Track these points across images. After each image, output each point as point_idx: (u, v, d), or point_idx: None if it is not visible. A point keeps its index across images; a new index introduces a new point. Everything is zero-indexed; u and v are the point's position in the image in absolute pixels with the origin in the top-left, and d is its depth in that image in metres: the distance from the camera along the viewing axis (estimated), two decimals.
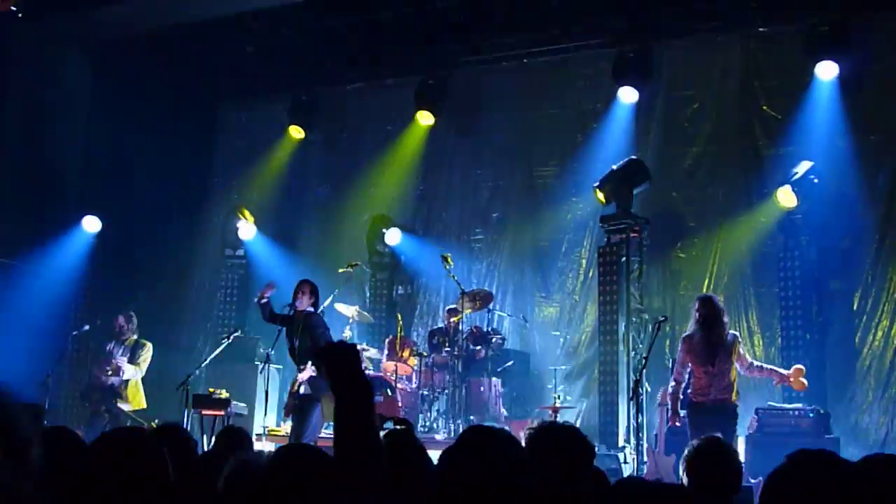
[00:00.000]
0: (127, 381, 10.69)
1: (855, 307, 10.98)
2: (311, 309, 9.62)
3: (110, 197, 13.19)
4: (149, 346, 10.93)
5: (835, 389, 10.78)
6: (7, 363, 10.59)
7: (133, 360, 10.73)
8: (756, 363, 8.83)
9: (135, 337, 10.93)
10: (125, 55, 13.11)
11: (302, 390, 9.40)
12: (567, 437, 3.73)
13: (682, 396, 8.68)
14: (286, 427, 11.64)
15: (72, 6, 12.11)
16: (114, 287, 12.81)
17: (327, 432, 9.97)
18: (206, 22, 12.61)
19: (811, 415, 9.70)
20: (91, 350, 12.05)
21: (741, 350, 8.57)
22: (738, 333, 8.98)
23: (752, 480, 7.61)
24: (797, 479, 1.83)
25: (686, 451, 4.03)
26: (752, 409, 9.93)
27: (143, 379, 10.84)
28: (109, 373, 10.61)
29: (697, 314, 8.48)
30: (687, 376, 8.58)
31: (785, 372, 8.75)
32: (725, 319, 8.57)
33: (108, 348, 10.91)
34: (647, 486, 3.65)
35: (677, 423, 8.63)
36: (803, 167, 10.75)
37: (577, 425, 11.79)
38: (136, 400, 10.75)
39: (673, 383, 8.63)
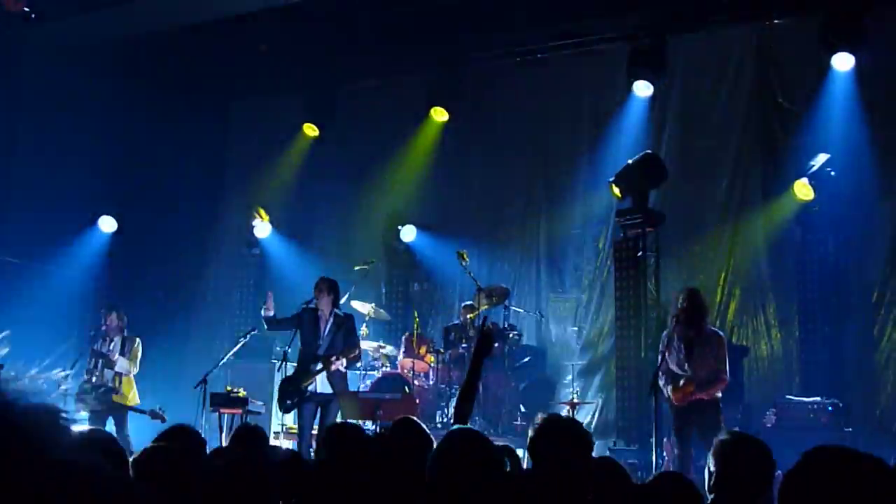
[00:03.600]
0: (121, 375, 10.73)
1: (874, 299, 10.92)
2: (338, 310, 9.75)
3: (126, 197, 13.24)
4: (138, 341, 10.96)
5: (854, 382, 10.73)
6: (25, 362, 10.61)
7: (124, 355, 10.80)
8: (716, 374, 8.37)
9: (123, 334, 10.97)
10: (140, 54, 13.16)
11: (321, 388, 9.41)
12: (566, 431, 3.77)
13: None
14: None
15: (86, 5, 12.14)
16: (129, 287, 12.85)
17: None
18: (219, 20, 12.62)
19: (829, 408, 9.66)
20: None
21: (721, 348, 8.38)
22: (720, 331, 8.84)
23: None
24: (814, 476, 1.82)
25: (717, 443, 3.99)
26: (771, 403, 9.90)
27: (135, 375, 10.91)
28: (99, 371, 10.66)
29: (678, 307, 8.39)
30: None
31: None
32: (706, 316, 8.53)
33: (95, 347, 10.92)
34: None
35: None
36: (820, 159, 10.69)
37: (595, 420, 11.84)
38: (130, 395, 10.80)
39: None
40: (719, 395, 8.41)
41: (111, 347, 10.87)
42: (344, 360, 9.49)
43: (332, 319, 9.61)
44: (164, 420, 10.34)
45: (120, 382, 10.76)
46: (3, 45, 12.10)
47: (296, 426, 11.53)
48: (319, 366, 9.50)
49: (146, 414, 10.52)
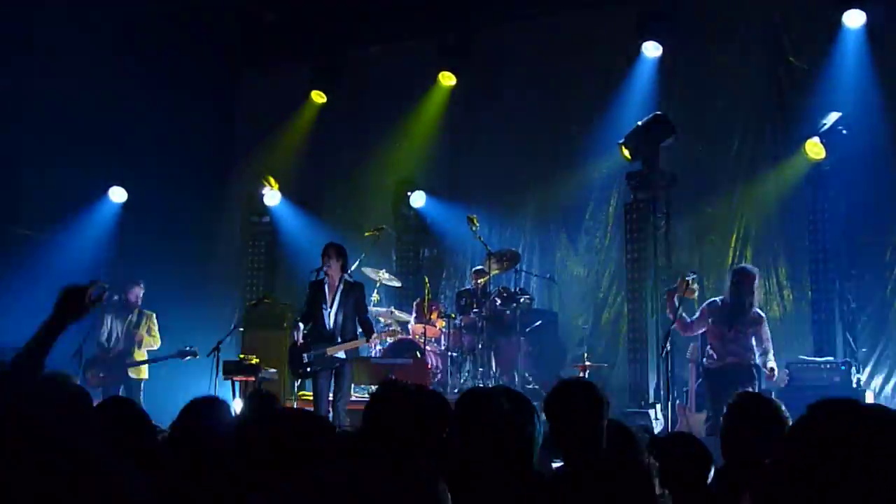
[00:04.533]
0: (136, 347, 10.85)
1: (887, 258, 10.87)
2: (348, 276, 9.67)
3: (134, 167, 13.23)
4: (154, 315, 11.07)
5: (867, 341, 10.72)
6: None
7: (149, 335, 10.93)
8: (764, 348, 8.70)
9: (137, 309, 11.06)
10: (146, 23, 13.10)
11: (340, 354, 9.39)
12: (582, 393, 3.79)
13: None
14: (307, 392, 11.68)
15: None
16: (140, 257, 12.87)
17: (356, 395, 10.05)
18: None
19: (843, 367, 9.65)
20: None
21: (763, 329, 8.66)
22: (764, 314, 8.94)
23: None
24: (819, 427, 1.80)
25: (728, 404, 4.02)
26: (784, 364, 9.90)
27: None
28: (116, 341, 10.76)
29: (731, 282, 8.68)
30: (699, 337, 8.74)
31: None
32: (757, 293, 8.65)
33: (107, 321, 10.99)
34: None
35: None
36: (832, 118, 10.58)
37: (607, 384, 11.84)
38: (143, 369, 10.93)
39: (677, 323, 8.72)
40: (755, 360, 8.53)
41: (127, 322, 10.95)
42: (378, 339, 9.45)
43: (341, 286, 9.53)
44: (195, 355, 10.49)
45: (135, 357, 10.87)
46: (14, 15, 12.04)
47: (309, 393, 11.60)
48: (339, 342, 9.39)
49: (175, 356, 10.67)
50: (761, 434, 3.75)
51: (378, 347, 11.67)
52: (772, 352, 8.61)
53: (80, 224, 13.09)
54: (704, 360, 8.82)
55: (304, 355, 9.37)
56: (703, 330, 8.85)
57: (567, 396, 3.80)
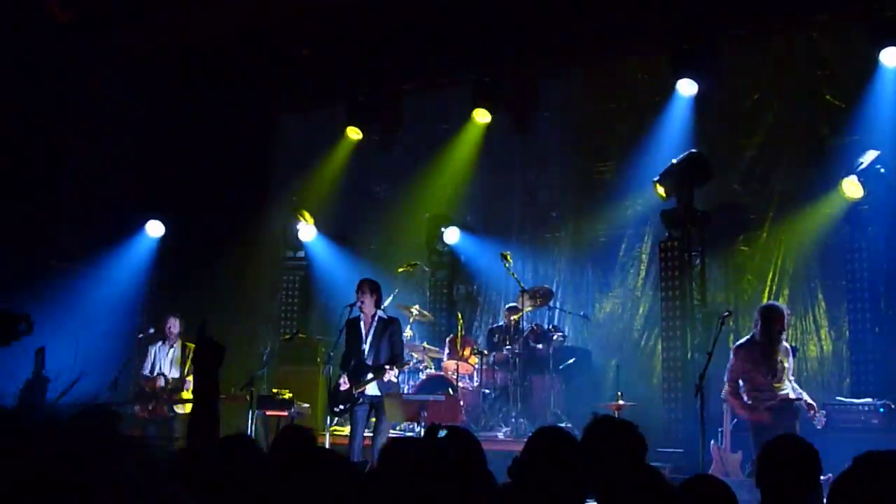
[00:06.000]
0: (183, 384, 10.86)
1: None
2: (382, 311, 9.70)
3: (172, 201, 13.39)
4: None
5: None
6: (76, 366, 10.78)
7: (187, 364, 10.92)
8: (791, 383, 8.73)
9: (181, 341, 11.08)
10: (184, 62, 13.31)
11: (371, 391, 9.39)
12: (621, 432, 3.76)
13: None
14: (349, 427, 11.70)
15: (131, 15, 12.31)
16: (176, 290, 12.99)
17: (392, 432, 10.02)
18: (262, 26, 12.73)
19: (881, 410, 9.50)
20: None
21: (790, 363, 8.67)
22: (791, 347, 8.91)
23: (822, 477, 7.46)
24: (865, 480, 1.78)
25: (762, 447, 3.98)
26: (821, 404, 9.75)
27: None
28: (168, 387, 10.77)
29: (759, 322, 8.56)
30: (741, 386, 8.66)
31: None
32: (785, 329, 8.63)
33: (152, 352, 11.05)
34: (720, 483, 3.63)
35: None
36: (869, 157, 10.50)
37: (640, 423, 11.68)
38: (188, 405, 10.91)
39: (727, 387, 8.66)
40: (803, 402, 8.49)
41: (170, 355, 11.00)
42: (396, 370, 9.46)
43: (375, 323, 9.56)
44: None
45: (180, 393, 10.85)
46: (54, 53, 12.28)
47: (341, 428, 11.62)
48: (370, 375, 9.40)
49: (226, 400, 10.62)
50: (796, 478, 3.71)
51: (412, 383, 11.67)
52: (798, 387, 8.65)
53: (117, 257, 13.23)
54: (747, 402, 8.71)
55: (339, 407, 9.53)
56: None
57: (605, 436, 3.76)
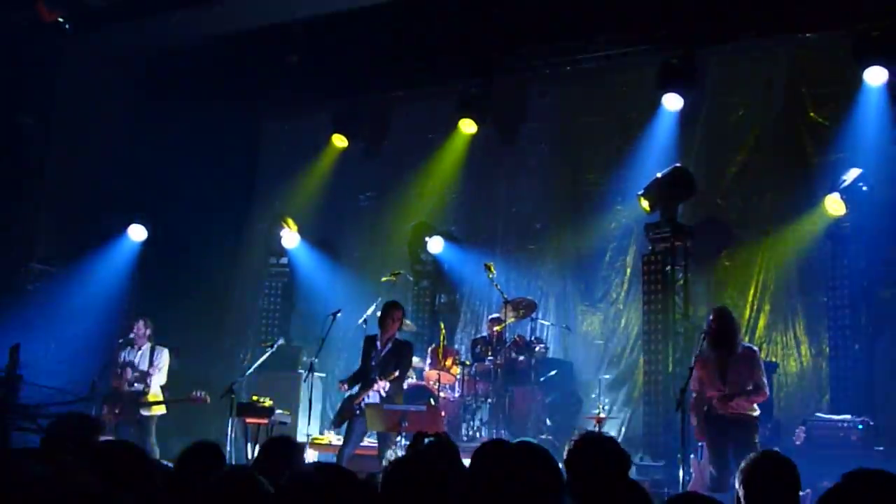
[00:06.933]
0: (149, 385, 10.81)
1: None
2: (398, 334, 9.90)
3: (155, 206, 13.33)
4: (166, 351, 11.03)
5: (883, 401, 10.58)
6: (55, 370, 10.75)
7: (153, 367, 10.86)
8: (756, 387, 8.36)
9: (150, 343, 11.03)
10: (170, 66, 13.27)
11: (366, 401, 9.46)
12: (606, 448, 3.73)
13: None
14: (330, 436, 11.70)
15: (118, 20, 12.27)
16: (158, 295, 12.92)
17: (370, 440, 10.00)
18: (250, 32, 12.71)
19: (860, 427, 9.53)
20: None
21: (756, 364, 8.37)
22: (754, 346, 8.77)
23: (801, 493, 7.47)
24: (852, 499, 1.79)
25: (743, 464, 3.96)
26: (800, 420, 9.79)
27: (162, 386, 10.97)
28: (133, 383, 10.72)
29: (708, 327, 8.35)
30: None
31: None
32: (737, 335, 8.43)
33: (122, 356, 10.98)
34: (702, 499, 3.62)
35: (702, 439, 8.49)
36: (852, 174, 10.56)
37: (621, 435, 11.76)
38: (157, 406, 10.85)
39: (693, 394, 8.49)
40: (756, 412, 8.34)
41: (139, 356, 10.94)
42: (386, 384, 9.50)
43: (390, 344, 9.72)
44: (206, 401, 10.39)
45: (147, 395, 10.82)
46: (39, 55, 12.23)
47: (322, 437, 11.61)
48: (356, 389, 9.64)
49: (185, 401, 10.55)
50: (776, 494, 3.70)
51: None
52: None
53: (98, 261, 13.15)
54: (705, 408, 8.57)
55: (339, 417, 9.84)
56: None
57: (590, 452, 3.73)
